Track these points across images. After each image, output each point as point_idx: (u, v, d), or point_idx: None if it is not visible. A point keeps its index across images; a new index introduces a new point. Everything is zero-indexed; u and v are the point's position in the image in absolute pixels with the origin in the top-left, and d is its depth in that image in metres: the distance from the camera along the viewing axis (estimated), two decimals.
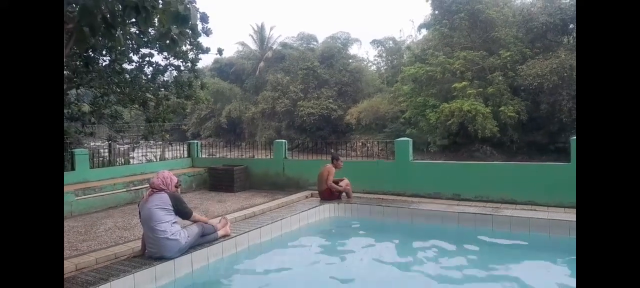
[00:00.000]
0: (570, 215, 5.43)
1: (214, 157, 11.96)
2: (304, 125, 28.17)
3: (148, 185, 4.30)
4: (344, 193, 6.89)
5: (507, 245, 5.06)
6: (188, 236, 4.20)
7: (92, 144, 13.03)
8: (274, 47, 36.17)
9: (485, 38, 20.72)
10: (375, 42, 31.53)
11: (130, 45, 11.62)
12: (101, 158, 11.06)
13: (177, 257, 4.10)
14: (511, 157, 18.52)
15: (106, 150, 12.22)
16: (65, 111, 10.76)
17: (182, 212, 4.25)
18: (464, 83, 19.05)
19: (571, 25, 19.62)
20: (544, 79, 17.46)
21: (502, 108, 18.24)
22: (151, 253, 4.08)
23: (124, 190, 7.82)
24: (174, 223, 4.12)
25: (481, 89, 19.08)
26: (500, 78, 18.96)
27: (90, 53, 11.26)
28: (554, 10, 19.19)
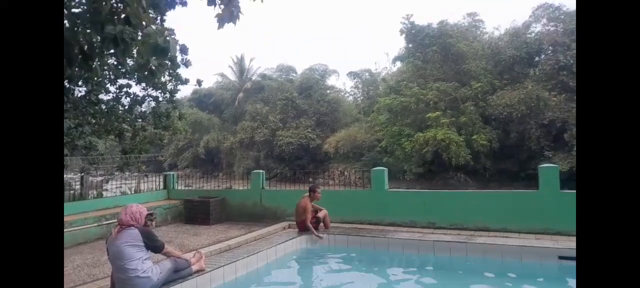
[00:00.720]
0: (541, 242, 5.62)
1: (191, 188, 11.81)
2: (283, 155, 28.18)
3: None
4: (321, 224, 6.91)
5: (480, 273, 5.16)
6: (160, 272, 4.09)
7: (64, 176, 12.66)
8: (254, 78, 36.48)
9: (457, 70, 21.54)
10: (351, 74, 32.29)
11: (108, 76, 11.55)
12: (72, 192, 10.76)
13: None
14: (485, 184, 18.97)
15: (78, 183, 11.90)
16: None
17: (153, 246, 4.13)
18: (437, 113, 19.62)
19: (536, 58, 20.67)
20: (512, 108, 18.18)
21: (474, 136, 18.81)
22: None
23: (95, 224, 7.60)
24: (145, 259, 4.00)
25: (454, 119, 19.68)
26: (472, 108, 19.63)
27: (66, 84, 11.12)
28: (520, 44, 20.22)
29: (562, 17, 19.95)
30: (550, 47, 19.50)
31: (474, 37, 22.88)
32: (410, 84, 21.64)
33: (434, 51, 21.60)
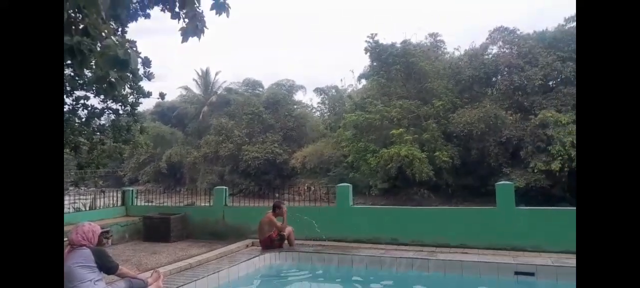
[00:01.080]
0: (499, 257, 5.82)
1: (151, 204, 11.40)
2: (249, 170, 27.80)
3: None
4: (286, 242, 6.85)
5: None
6: None
7: None
8: (219, 91, 36.01)
9: (420, 88, 22.20)
10: (318, 90, 32.53)
11: (64, 88, 11.06)
12: None
13: None
14: (447, 200, 19.49)
15: None
16: None
17: (107, 267, 3.94)
18: (400, 130, 20.07)
19: (493, 78, 21.66)
20: (472, 126, 18.90)
21: (436, 153, 19.35)
22: None
23: None
24: (97, 281, 3.81)
25: (417, 135, 20.20)
26: (434, 125, 20.24)
27: None
28: (478, 64, 21.15)
29: (516, 40, 21.07)
30: (506, 68, 20.49)
31: (436, 56, 23.70)
32: (375, 101, 22.06)
33: (397, 69, 22.19)
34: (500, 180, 10.37)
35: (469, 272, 5.57)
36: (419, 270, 5.79)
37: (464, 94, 21.55)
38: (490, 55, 21.84)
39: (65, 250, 3.87)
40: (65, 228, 4.20)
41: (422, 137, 20.10)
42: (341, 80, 53.93)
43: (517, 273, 5.33)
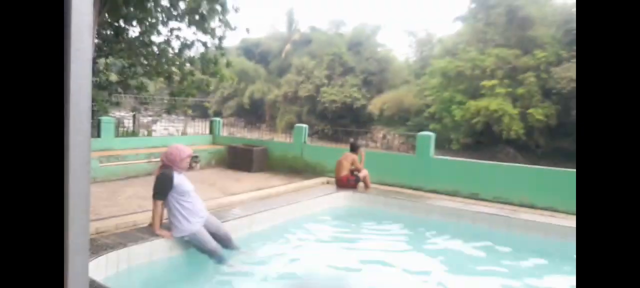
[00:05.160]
0: None
1: (234, 136, 12.07)
2: (326, 113, 28.08)
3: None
4: (361, 183, 6.86)
5: (519, 248, 4.93)
6: (191, 223, 3.96)
7: (117, 113, 13.34)
8: (302, 30, 36.04)
9: (521, 36, 20.06)
10: (406, 32, 31.00)
11: (160, 18, 11.75)
12: (125, 129, 11.31)
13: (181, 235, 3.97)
14: (535, 162, 17.98)
15: (130, 121, 12.49)
16: (94, 79, 11.04)
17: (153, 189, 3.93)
18: (493, 81, 18.59)
19: None
20: None
21: (530, 110, 17.74)
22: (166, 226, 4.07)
23: (146, 160, 7.99)
24: (178, 203, 3.94)
25: (510, 89, 18.58)
26: (533, 79, 18.39)
27: (121, 23, 11.46)
28: None
29: None
30: None
31: (546, 0, 21.00)
32: (468, 48, 20.51)
33: (498, 13, 20.16)
34: None
35: (556, 235, 5.12)
36: (498, 228, 5.46)
37: (573, 46, 19.06)
38: None
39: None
40: (163, 149, 4.45)
41: (516, 92, 18.46)
42: (433, 22, 50.67)
43: None
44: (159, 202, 3.93)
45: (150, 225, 4.10)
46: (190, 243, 4.01)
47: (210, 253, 3.98)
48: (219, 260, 4.00)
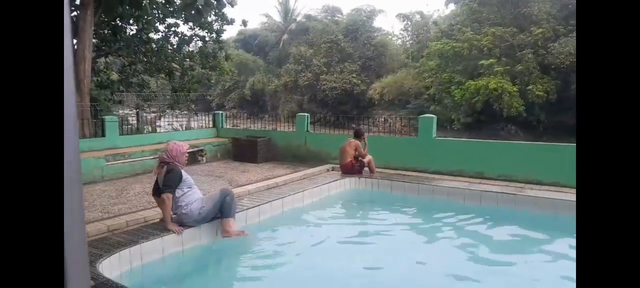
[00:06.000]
0: None
1: (238, 128, 12.13)
2: (326, 100, 28.08)
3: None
4: (366, 168, 6.92)
5: (530, 225, 5.02)
6: (202, 206, 4.17)
7: (120, 111, 13.39)
8: (298, 19, 35.83)
9: (516, 14, 19.94)
10: (401, 16, 30.75)
11: (157, 15, 11.73)
12: (129, 126, 11.37)
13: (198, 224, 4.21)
14: (537, 138, 18.07)
15: (134, 118, 12.55)
16: (95, 79, 11.05)
17: (164, 185, 4.04)
18: (491, 60, 18.52)
19: None
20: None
21: (530, 87, 17.71)
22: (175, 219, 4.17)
23: (151, 157, 8.06)
24: (185, 194, 4.14)
25: (509, 67, 18.52)
26: (530, 56, 18.32)
27: (118, 22, 11.45)
28: None
29: None
30: None
31: None
32: (464, 28, 20.37)
33: None
34: None
35: (563, 210, 5.19)
36: (506, 205, 5.54)
37: (570, 20, 18.95)
38: None
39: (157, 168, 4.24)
40: (163, 146, 4.54)
41: (514, 69, 18.41)
42: (427, 4, 50.27)
43: None
44: (170, 196, 4.02)
45: (161, 220, 4.18)
46: (205, 220, 4.20)
47: (222, 210, 4.21)
48: (228, 210, 4.20)
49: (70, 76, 0.79)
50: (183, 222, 4.12)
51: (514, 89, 17.87)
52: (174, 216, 4.17)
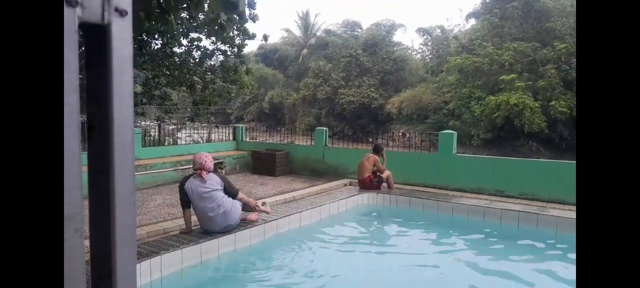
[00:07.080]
0: None
1: (256, 140, 12.26)
2: (344, 113, 28.15)
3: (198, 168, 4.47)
4: (384, 184, 6.89)
5: (551, 246, 4.89)
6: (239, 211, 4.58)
7: (142, 123, 13.71)
8: (318, 34, 36.20)
9: (539, 29, 19.69)
10: (421, 30, 30.76)
11: (181, 30, 12.06)
12: (150, 138, 11.62)
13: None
14: (559, 155, 17.63)
15: (155, 130, 12.83)
16: None
17: (232, 191, 4.53)
18: (512, 75, 18.27)
19: None
20: None
21: (552, 103, 17.36)
22: (212, 228, 4.35)
23: (172, 169, 8.21)
24: (224, 199, 4.43)
25: (531, 82, 18.23)
26: (553, 71, 18.00)
27: (144, 36, 11.81)
28: None
29: None
30: None
31: None
32: (485, 43, 20.21)
33: (514, 7, 19.83)
34: None
35: None
36: (527, 225, 5.41)
37: None
38: None
39: (193, 177, 4.35)
40: (188, 157, 4.78)
41: (536, 84, 18.11)
42: (447, 19, 50.22)
43: None
44: (239, 196, 4.64)
45: (183, 232, 4.31)
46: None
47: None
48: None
49: (74, 83, 0.82)
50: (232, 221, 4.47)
51: (536, 104, 17.56)
52: (196, 227, 4.31)
